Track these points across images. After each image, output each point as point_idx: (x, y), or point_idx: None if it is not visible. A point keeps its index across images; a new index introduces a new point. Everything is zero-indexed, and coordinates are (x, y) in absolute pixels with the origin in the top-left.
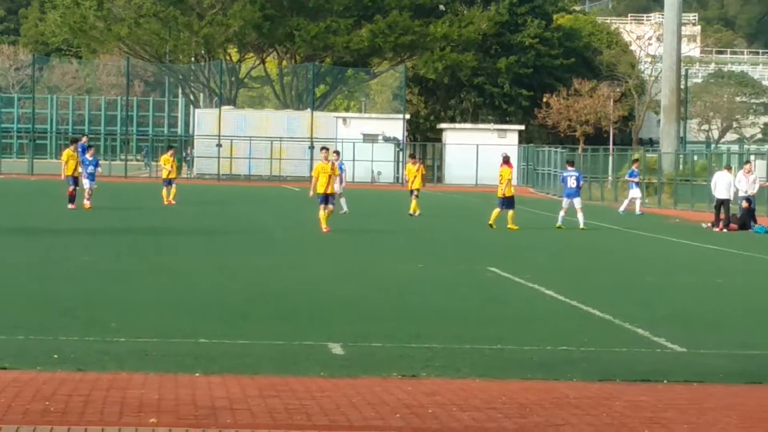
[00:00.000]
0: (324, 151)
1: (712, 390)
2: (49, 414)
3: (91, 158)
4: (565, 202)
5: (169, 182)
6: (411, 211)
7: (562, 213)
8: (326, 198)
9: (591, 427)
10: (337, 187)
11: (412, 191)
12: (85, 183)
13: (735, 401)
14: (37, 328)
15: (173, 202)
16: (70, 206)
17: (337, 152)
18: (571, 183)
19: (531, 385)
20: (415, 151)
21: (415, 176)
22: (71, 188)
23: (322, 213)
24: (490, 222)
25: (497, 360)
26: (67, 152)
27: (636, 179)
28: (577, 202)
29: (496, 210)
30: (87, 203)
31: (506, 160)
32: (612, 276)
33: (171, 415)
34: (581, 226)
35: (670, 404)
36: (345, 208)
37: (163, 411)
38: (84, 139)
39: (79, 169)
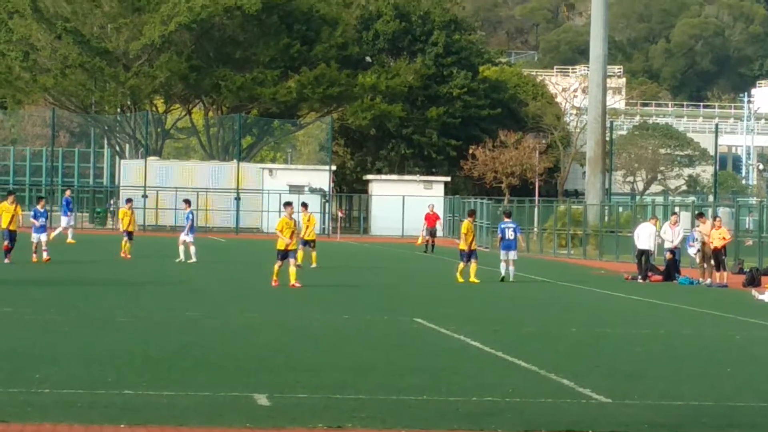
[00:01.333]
0: (288, 206)
1: None
2: None
3: (42, 210)
4: (502, 254)
5: (129, 235)
6: (314, 264)
7: (503, 265)
8: (285, 254)
9: None
10: (184, 237)
11: (307, 242)
12: (34, 237)
13: None
14: None
15: (128, 256)
16: (5, 260)
17: (187, 201)
18: (509, 234)
19: None
20: (342, 203)
21: (306, 226)
22: (6, 242)
23: (276, 267)
24: (459, 277)
25: (422, 411)
26: (3, 205)
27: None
28: (513, 254)
29: (461, 264)
30: (44, 255)
31: (471, 213)
32: (537, 327)
33: None
34: (511, 278)
35: None
36: (194, 258)
37: None
38: (68, 192)
39: (15, 224)
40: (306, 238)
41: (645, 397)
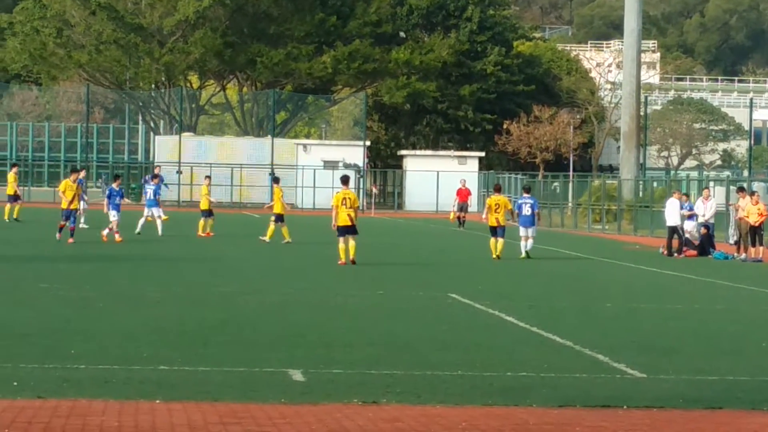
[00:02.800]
0: (345, 184)
1: (672, 415)
2: None
3: (117, 189)
4: (521, 230)
5: (209, 213)
6: (287, 239)
7: (522, 243)
8: (345, 230)
9: None
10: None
11: (277, 217)
12: (111, 215)
13: (694, 426)
14: None
15: (210, 233)
16: (58, 236)
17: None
18: (526, 210)
19: (491, 411)
20: (376, 178)
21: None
22: (63, 221)
23: (340, 245)
24: (497, 254)
25: (457, 386)
26: (65, 182)
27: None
28: (531, 230)
29: (493, 240)
30: (116, 237)
31: (497, 188)
32: (572, 302)
33: None
34: (526, 249)
35: (630, 430)
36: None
37: None
38: (157, 169)
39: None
40: (276, 212)
41: (680, 372)
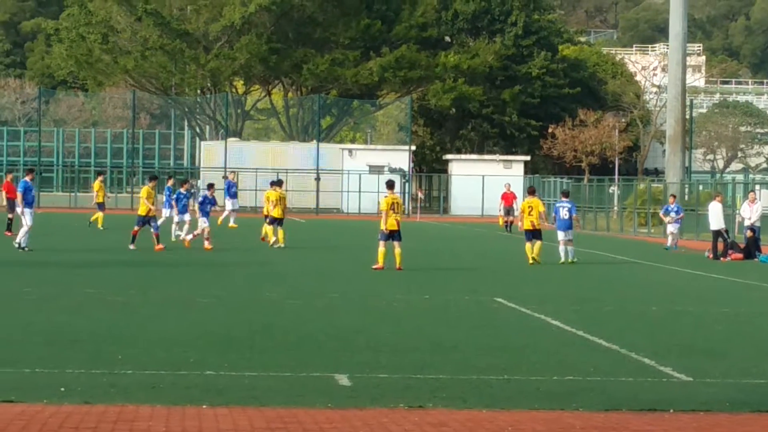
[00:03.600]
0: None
1: (719, 419)
2: None
3: (211, 197)
4: (559, 234)
5: (278, 221)
6: (281, 244)
7: (561, 247)
8: (389, 235)
9: None
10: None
11: (273, 220)
12: (202, 221)
13: (741, 430)
14: (43, 361)
15: (282, 244)
16: (132, 246)
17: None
18: (564, 214)
19: (537, 415)
20: (421, 183)
21: (276, 204)
22: (137, 228)
23: (381, 250)
24: (534, 256)
25: (504, 390)
26: (146, 189)
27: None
28: (569, 234)
29: (528, 244)
30: (206, 244)
31: (531, 191)
32: (618, 305)
33: None
34: (570, 258)
35: None
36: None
37: None
38: (231, 176)
39: (153, 210)
40: (274, 215)
41: (726, 375)
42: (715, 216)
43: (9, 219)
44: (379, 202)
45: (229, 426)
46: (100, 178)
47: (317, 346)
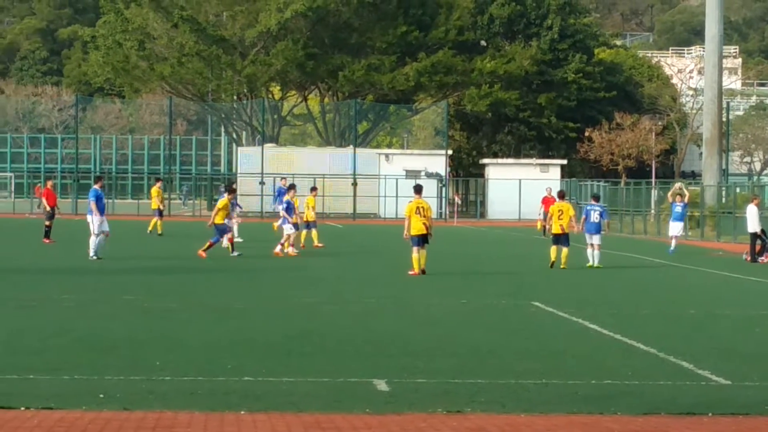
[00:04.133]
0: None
1: (758, 423)
2: None
3: (232, 200)
4: (587, 237)
5: (311, 225)
6: (317, 243)
7: (589, 250)
8: (420, 240)
9: None
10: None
11: (309, 224)
12: (288, 228)
13: None
14: (82, 368)
15: (320, 245)
16: (202, 253)
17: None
18: (594, 217)
19: (576, 419)
20: (458, 187)
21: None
22: (213, 240)
23: (414, 255)
24: (555, 260)
25: (542, 394)
26: (223, 201)
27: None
28: (597, 238)
29: (554, 247)
30: (291, 250)
31: (561, 195)
32: (655, 309)
33: None
34: (596, 263)
35: None
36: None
37: None
38: (283, 182)
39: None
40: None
41: (765, 378)
42: (753, 218)
43: (47, 227)
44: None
45: (267, 431)
46: (158, 184)
47: (355, 351)
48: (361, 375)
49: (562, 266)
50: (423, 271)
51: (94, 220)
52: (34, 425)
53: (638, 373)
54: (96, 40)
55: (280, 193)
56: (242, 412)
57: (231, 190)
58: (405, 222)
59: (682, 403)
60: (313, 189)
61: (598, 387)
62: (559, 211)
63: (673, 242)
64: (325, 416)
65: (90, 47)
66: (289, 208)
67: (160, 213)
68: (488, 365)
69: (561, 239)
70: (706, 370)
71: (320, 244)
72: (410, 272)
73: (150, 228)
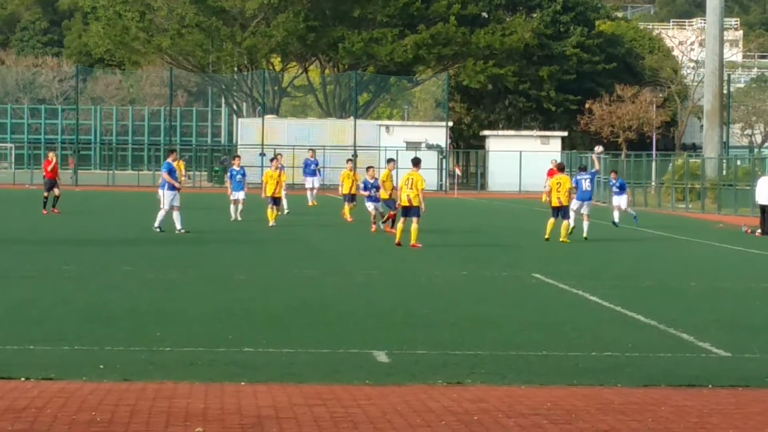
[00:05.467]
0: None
1: (758, 395)
2: (95, 424)
3: (372, 180)
4: (575, 203)
5: (351, 198)
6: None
7: (572, 215)
8: (407, 211)
9: None
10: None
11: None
12: (370, 206)
13: None
14: (82, 339)
15: (349, 219)
16: (271, 224)
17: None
18: (586, 186)
19: (576, 391)
20: (458, 159)
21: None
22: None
23: (399, 225)
24: (563, 239)
25: (542, 366)
26: (267, 172)
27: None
28: (586, 207)
29: (551, 220)
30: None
31: (560, 167)
32: (656, 281)
33: (217, 425)
34: (585, 233)
35: (716, 409)
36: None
37: (209, 420)
38: (311, 153)
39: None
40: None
41: (765, 350)
42: (763, 191)
43: (45, 198)
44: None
45: (267, 402)
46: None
47: (355, 322)
48: (362, 346)
49: (561, 239)
50: (413, 245)
51: (166, 194)
52: (35, 396)
53: (639, 345)
54: (96, 11)
55: (306, 165)
56: (243, 383)
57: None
58: (398, 193)
59: (682, 375)
60: (349, 161)
61: (598, 359)
62: (557, 183)
63: (617, 213)
64: (326, 387)
65: (90, 18)
66: (368, 188)
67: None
68: (488, 337)
69: (560, 211)
70: (706, 342)
71: (349, 218)
72: (395, 242)
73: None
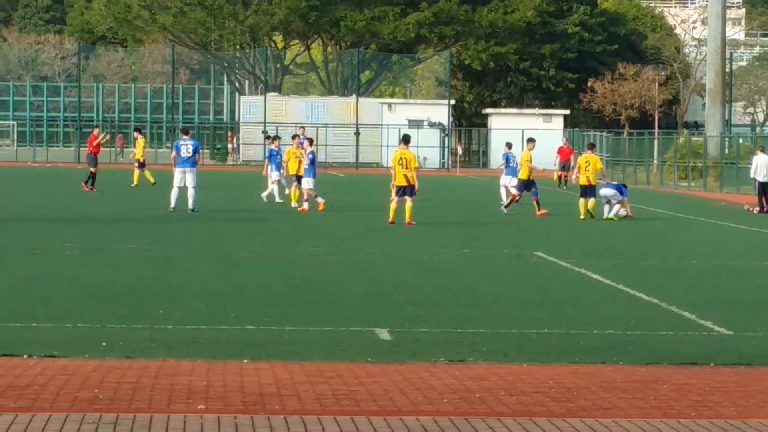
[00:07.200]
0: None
1: (760, 373)
2: (97, 401)
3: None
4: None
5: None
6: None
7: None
8: (403, 190)
9: (638, 410)
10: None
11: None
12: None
13: None
14: (84, 316)
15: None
16: (294, 204)
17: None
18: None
19: (578, 369)
20: (461, 137)
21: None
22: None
23: (393, 205)
24: (588, 211)
25: (544, 344)
26: (290, 150)
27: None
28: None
29: (582, 200)
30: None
31: (590, 147)
32: (658, 259)
33: (219, 402)
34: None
35: (718, 387)
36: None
37: (211, 398)
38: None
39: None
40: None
41: (767, 329)
42: (761, 168)
43: (92, 173)
44: (418, 157)
45: (269, 380)
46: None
47: (357, 300)
48: (364, 324)
49: (589, 211)
50: (409, 224)
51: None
52: (37, 373)
53: (640, 323)
54: None
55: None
56: (245, 361)
57: (295, 136)
58: (391, 172)
59: (684, 353)
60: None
61: (600, 337)
62: (586, 162)
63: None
64: (328, 365)
65: None
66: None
67: (142, 164)
68: (491, 315)
69: (588, 191)
70: (708, 320)
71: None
72: (388, 221)
73: (152, 181)
